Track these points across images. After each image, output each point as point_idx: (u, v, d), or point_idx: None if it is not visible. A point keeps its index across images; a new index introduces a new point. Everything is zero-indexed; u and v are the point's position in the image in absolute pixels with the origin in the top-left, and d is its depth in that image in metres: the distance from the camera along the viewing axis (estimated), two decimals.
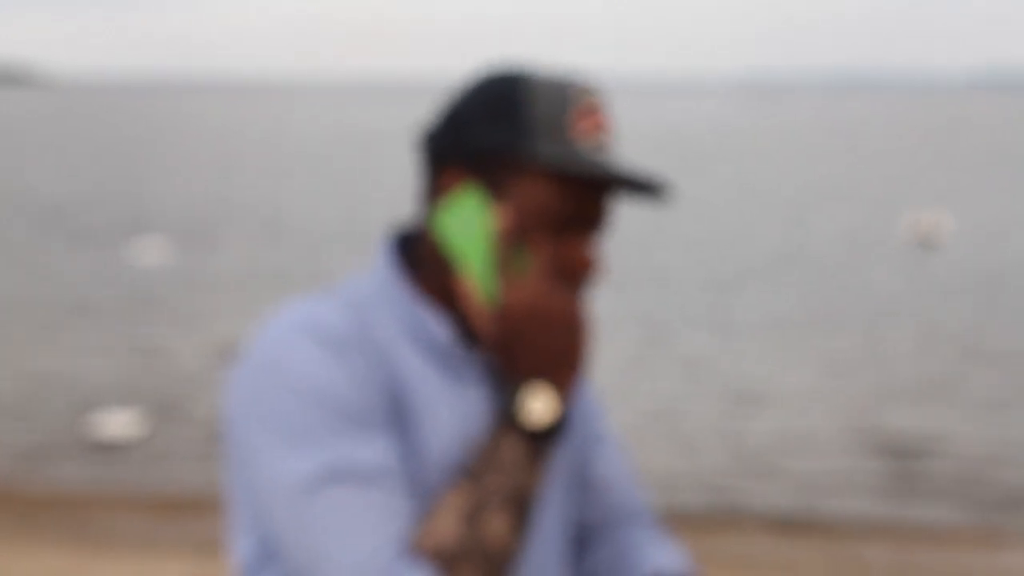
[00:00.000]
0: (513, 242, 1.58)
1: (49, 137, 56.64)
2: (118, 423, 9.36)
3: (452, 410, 1.61)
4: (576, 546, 1.81)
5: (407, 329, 1.62)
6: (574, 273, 1.60)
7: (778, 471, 8.65)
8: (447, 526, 1.51)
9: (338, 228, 21.65)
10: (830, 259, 18.56)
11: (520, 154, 1.57)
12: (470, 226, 1.58)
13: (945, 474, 8.64)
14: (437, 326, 1.62)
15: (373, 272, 1.66)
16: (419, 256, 1.65)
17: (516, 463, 1.55)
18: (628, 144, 51.18)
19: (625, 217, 23.83)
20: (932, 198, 28.66)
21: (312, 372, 1.51)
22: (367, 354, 1.57)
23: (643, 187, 1.59)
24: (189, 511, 7.82)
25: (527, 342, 1.57)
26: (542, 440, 1.57)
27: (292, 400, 1.51)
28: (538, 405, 1.57)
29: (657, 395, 10.57)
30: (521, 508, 1.54)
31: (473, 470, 1.54)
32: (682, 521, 7.70)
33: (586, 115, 1.60)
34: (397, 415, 1.58)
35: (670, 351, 12.31)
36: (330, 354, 1.53)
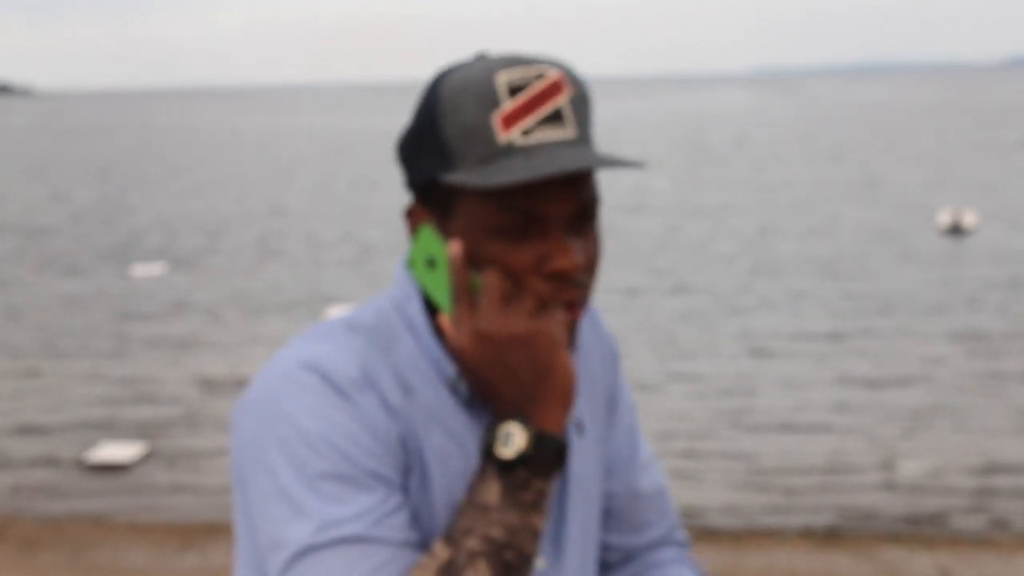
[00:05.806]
0: (467, 272, 1.47)
1: (34, 149, 56.45)
2: (114, 453, 9.21)
3: (472, 447, 1.52)
4: (601, 567, 1.77)
5: (428, 358, 1.53)
6: (552, 280, 1.46)
7: (809, 490, 8.30)
8: None
9: (335, 243, 21.29)
10: (858, 261, 18.02)
11: (449, 179, 1.46)
12: (430, 264, 1.51)
13: (987, 489, 8.30)
14: (445, 360, 1.53)
15: (393, 292, 1.57)
16: None
17: (496, 507, 1.43)
18: (639, 140, 50.62)
19: (639, 218, 23.36)
20: (962, 188, 28.03)
21: (314, 421, 1.43)
22: (382, 392, 1.48)
23: (607, 163, 1.40)
24: (188, 540, 7.63)
25: (485, 374, 1.46)
26: (523, 478, 1.44)
27: (293, 453, 1.43)
28: (510, 440, 1.44)
29: (670, 415, 10.18)
30: (507, 554, 1.42)
31: (455, 520, 1.44)
32: (712, 538, 7.41)
33: (519, 105, 1.44)
34: (413, 456, 1.49)
35: (683, 367, 11.94)
36: (338, 400, 1.44)
